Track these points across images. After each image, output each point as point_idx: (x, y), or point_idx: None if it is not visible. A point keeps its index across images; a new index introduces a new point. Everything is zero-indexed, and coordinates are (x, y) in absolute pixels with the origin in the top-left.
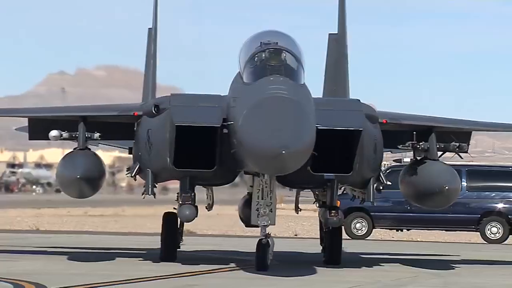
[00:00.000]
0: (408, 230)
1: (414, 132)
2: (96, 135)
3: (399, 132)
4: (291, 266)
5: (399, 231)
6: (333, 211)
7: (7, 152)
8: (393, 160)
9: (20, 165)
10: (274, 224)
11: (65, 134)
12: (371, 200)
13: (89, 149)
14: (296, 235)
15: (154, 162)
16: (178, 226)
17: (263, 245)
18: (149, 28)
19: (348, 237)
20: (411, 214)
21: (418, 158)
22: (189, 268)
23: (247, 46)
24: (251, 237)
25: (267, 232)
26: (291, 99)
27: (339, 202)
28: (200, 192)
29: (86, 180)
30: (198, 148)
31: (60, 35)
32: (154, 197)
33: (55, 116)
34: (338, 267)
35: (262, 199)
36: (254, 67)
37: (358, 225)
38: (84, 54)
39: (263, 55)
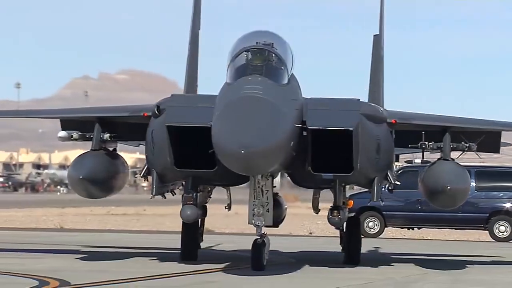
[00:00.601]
0: (419, 228)
1: (423, 132)
2: (106, 135)
3: (412, 132)
4: (308, 264)
5: (410, 229)
6: (335, 211)
7: (32, 154)
8: (405, 161)
9: (45, 166)
10: (271, 224)
11: (75, 135)
12: (375, 200)
13: (108, 149)
14: (311, 233)
15: (158, 163)
16: (199, 226)
17: (259, 244)
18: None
19: (361, 235)
20: (421, 213)
21: (438, 158)
22: (208, 266)
23: (233, 47)
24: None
25: (262, 232)
26: (263, 99)
27: (351, 201)
28: (220, 193)
29: (90, 181)
30: (199, 149)
31: (84, 41)
32: (164, 197)
33: (69, 117)
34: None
35: (257, 199)
36: (236, 68)
37: (370, 224)
38: (107, 59)
39: (244, 56)
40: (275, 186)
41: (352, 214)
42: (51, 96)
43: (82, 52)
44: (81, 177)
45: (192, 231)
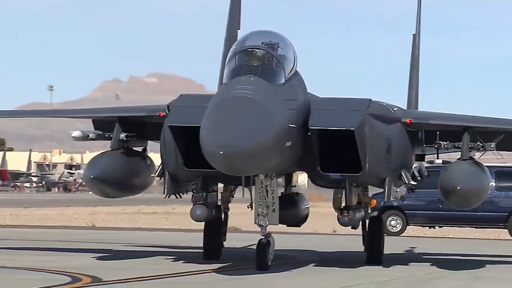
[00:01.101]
0: (440, 227)
1: (438, 132)
2: (123, 135)
3: (431, 131)
4: (330, 263)
5: (432, 228)
6: (345, 211)
7: (65, 155)
8: (426, 161)
9: (77, 167)
10: (277, 224)
11: (91, 135)
12: (386, 200)
13: (130, 149)
14: (334, 231)
15: (169, 162)
16: (221, 225)
17: (263, 245)
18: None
19: (384, 234)
20: (442, 212)
21: (458, 158)
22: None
23: (233, 46)
24: (292, 234)
25: (267, 232)
26: (251, 99)
27: (374, 200)
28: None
29: (101, 180)
30: None
31: (115, 45)
32: (177, 198)
33: (88, 117)
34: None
35: (262, 199)
36: (232, 68)
37: (393, 222)
38: (137, 63)
39: (239, 56)
40: (294, 186)
41: (375, 214)
42: (83, 98)
43: (113, 56)
44: (92, 176)
45: (213, 230)
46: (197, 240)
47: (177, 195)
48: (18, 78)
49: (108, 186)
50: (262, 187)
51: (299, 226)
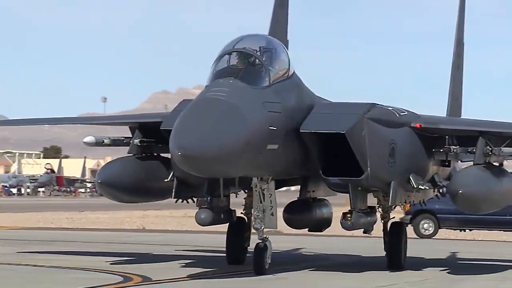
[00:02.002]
0: (470, 230)
1: (447, 137)
2: (137, 140)
3: (451, 137)
4: (350, 266)
5: (462, 231)
6: (348, 215)
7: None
8: None
9: None
10: (276, 228)
11: (106, 140)
12: (390, 204)
13: (150, 155)
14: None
15: (176, 166)
16: (245, 230)
17: (260, 249)
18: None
19: (417, 236)
20: (472, 216)
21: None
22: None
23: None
24: (332, 236)
25: (264, 236)
26: (222, 100)
27: (408, 205)
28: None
29: (109, 185)
30: None
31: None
32: (187, 202)
33: (110, 123)
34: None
35: (259, 202)
36: (214, 70)
37: (425, 226)
38: (185, 75)
39: (222, 59)
40: (313, 191)
41: (407, 218)
42: (134, 109)
43: (162, 69)
44: (99, 181)
45: (236, 235)
46: None
47: (188, 199)
48: (74, 90)
49: (117, 190)
50: (256, 190)
51: (320, 231)
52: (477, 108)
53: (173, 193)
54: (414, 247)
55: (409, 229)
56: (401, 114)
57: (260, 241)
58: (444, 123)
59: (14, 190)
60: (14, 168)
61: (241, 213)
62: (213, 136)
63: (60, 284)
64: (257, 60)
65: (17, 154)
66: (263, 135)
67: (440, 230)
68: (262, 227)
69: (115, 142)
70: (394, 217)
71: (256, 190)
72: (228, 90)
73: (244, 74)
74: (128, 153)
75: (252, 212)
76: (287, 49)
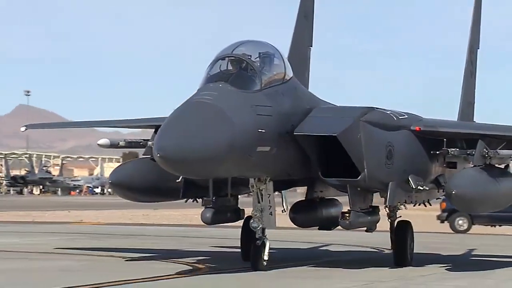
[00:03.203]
0: (500, 226)
1: (444, 139)
2: (150, 142)
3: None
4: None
5: (493, 226)
6: (346, 214)
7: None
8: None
9: None
10: (274, 228)
11: (121, 143)
12: (388, 204)
13: None
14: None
15: None
16: None
17: (258, 246)
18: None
19: (452, 231)
20: (503, 213)
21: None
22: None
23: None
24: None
25: (261, 234)
26: (208, 104)
27: (444, 203)
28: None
29: (118, 185)
30: None
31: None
32: (196, 202)
33: (130, 126)
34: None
35: (257, 202)
36: (206, 75)
37: (460, 222)
38: None
39: (214, 64)
40: (321, 191)
41: (401, 217)
42: None
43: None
44: (110, 181)
45: (251, 232)
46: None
47: (198, 199)
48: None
49: (128, 190)
50: (253, 190)
51: (330, 229)
52: (491, 115)
53: (180, 193)
54: (447, 241)
55: (445, 225)
56: (400, 117)
57: (258, 239)
58: (444, 126)
59: (97, 190)
60: (97, 171)
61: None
62: (194, 138)
63: (137, 273)
64: (248, 65)
65: (100, 158)
66: (251, 138)
67: (473, 226)
68: (260, 226)
69: (131, 144)
70: (400, 216)
71: (253, 191)
72: (216, 94)
73: (234, 79)
74: (144, 154)
75: (251, 212)
76: (309, 57)
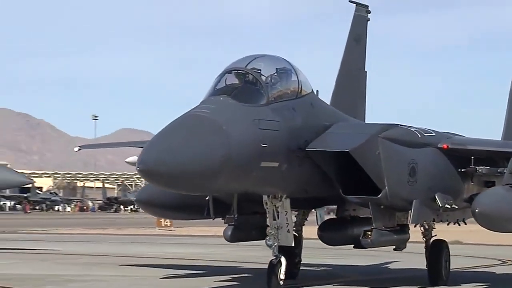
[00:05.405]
0: None
1: (472, 157)
2: None
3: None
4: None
5: None
6: (368, 233)
7: None
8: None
9: None
10: (292, 245)
11: None
12: (410, 222)
13: None
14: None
15: None
16: (296, 245)
17: (273, 265)
18: None
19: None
20: None
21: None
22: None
23: None
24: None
25: (277, 252)
26: (204, 117)
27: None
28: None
29: (144, 202)
30: None
31: None
32: (223, 219)
33: None
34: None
35: (273, 219)
36: (211, 88)
37: None
38: None
39: (219, 77)
40: (354, 210)
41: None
42: None
43: None
44: (134, 199)
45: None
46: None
47: (223, 217)
48: None
49: (155, 207)
50: (268, 208)
51: (364, 248)
52: None
53: (208, 211)
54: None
55: None
56: (426, 134)
57: (274, 257)
58: (473, 144)
59: None
60: None
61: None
62: (181, 151)
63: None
64: (254, 79)
65: None
66: (250, 152)
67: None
68: (275, 244)
69: None
70: (435, 235)
71: (268, 208)
72: (214, 107)
73: (237, 92)
74: None
75: (267, 229)
76: (365, 79)
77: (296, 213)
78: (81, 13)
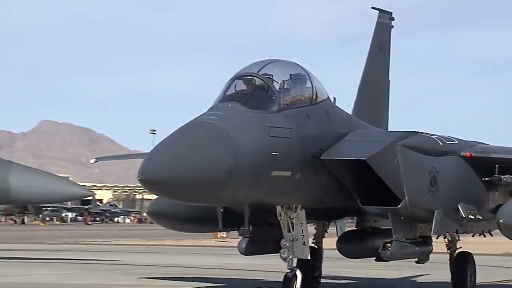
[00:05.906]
0: None
1: (497, 166)
2: None
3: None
4: None
5: None
6: (388, 244)
7: None
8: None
9: None
10: (308, 257)
11: None
12: (433, 234)
13: None
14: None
15: None
16: (316, 259)
17: (288, 278)
18: None
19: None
20: None
21: None
22: None
23: None
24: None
25: (293, 265)
26: (210, 124)
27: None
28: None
29: (155, 215)
30: None
31: None
32: (237, 231)
33: None
34: None
35: (287, 231)
36: (220, 94)
37: None
38: None
39: (231, 84)
40: (375, 221)
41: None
42: None
43: None
44: (147, 211)
45: (304, 264)
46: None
47: (237, 229)
48: None
49: (164, 220)
50: (281, 219)
51: (387, 260)
52: None
53: (219, 222)
54: None
55: None
56: (448, 142)
57: (289, 270)
58: (497, 152)
59: None
60: None
61: (312, 242)
62: (184, 160)
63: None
64: (266, 85)
65: None
66: (261, 161)
67: None
68: (290, 257)
69: None
70: (460, 247)
71: (282, 219)
72: (222, 113)
73: (247, 99)
74: None
75: (281, 241)
76: (388, 88)
77: (316, 225)
78: (144, 33)
